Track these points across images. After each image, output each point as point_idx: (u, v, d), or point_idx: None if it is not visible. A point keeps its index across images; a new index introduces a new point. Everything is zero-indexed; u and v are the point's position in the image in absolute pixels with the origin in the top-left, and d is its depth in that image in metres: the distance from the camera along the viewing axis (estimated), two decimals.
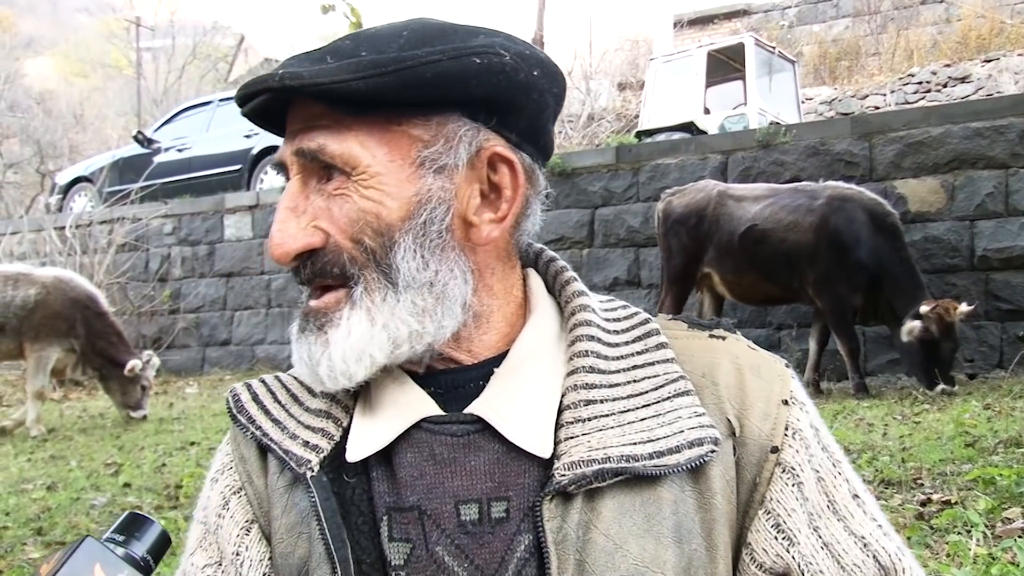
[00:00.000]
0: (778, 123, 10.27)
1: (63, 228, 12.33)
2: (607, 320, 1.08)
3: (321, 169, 0.97)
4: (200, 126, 13.53)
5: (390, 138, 0.96)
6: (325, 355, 0.97)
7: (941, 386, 6.34)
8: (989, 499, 3.61)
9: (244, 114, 1.01)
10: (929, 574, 2.95)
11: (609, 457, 0.93)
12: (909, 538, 3.29)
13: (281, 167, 1.02)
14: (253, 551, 1.05)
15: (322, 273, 0.97)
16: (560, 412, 0.99)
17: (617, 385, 1.00)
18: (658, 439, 0.95)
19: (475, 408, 0.99)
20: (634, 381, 1.01)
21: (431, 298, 0.97)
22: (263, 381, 1.15)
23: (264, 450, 1.08)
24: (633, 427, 0.96)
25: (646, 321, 1.08)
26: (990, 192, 7.45)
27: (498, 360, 1.02)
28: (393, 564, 0.96)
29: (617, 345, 1.05)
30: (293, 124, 0.99)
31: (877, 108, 15.07)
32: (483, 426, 0.98)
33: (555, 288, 1.11)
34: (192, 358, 11.75)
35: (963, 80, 15.21)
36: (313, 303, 0.99)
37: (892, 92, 15.58)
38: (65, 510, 4.92)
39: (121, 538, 0.91)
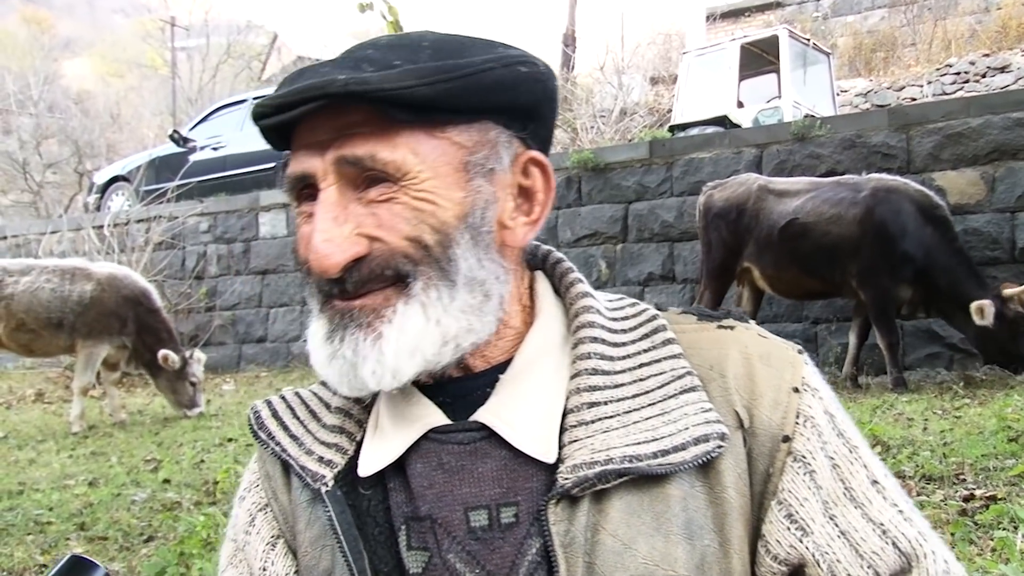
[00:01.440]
0: (813, 116, 10.17)
1: (101, 227, 12.48)
2: (613, 319, 1.08)
3: (359, 177, 0.96)
4: (234, 124, 13.63)
5: (436, 144, 0.96)
6: (375, 351, 0.95)
7: None
8: None
9: (270, 125, 0.98)
10: (975, 570, 2.91)
11: (612, 458, 0.93)
12: (953, 534, 3.25)
13: (299, 181, 0.99)
14: (279, 565, 1.07)
15: (372, 277, 0.96)
16: (564, 415, 0.99)
17: (622, 385, 1.00)
18: (663, 438, 0.94)
19: (480, 415, 1.00)
20: (640, 380, 1.01)
21: (480, 296, 0.98)
22: (283, 397, 1.17)
23: (287, 465, 1.10)
24: (638, 427, 0.96)
25: (653, 318, 1.08)
26: None
27: (504, 367, 1.03)
28: (411, 573, 0.97)
29: (623, 344, 1.05)
30: (319, 135, 0.97)
31: (914, 100, 14.88)
32: (489, 433, 0.99)
33: (562, 289, 1.11)
34: (228, 355, 11.86)
35: (1002, 70, 14.98)
36: (357, 302, 0.97)
37: (929, 83, 15.38)
38: (107, 505, 4.98)
39: None
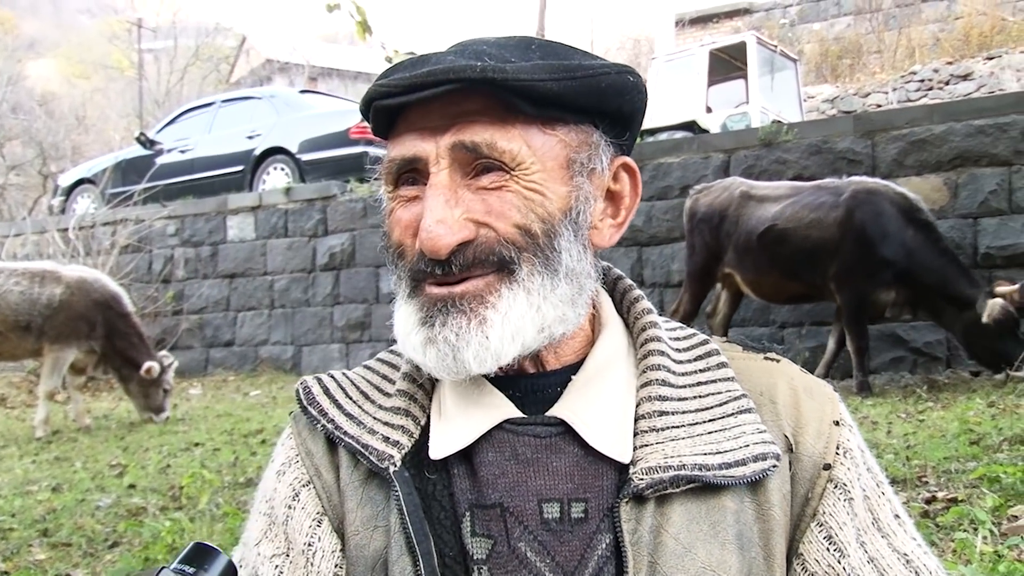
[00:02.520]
0: (780, 121, 10.27)
1: (66, 230, 12.34)
2: (671, 339, 1.13)
3: (471, 163, 0.99)
4: (202, 127, 13.53)
5: (545, 139, 1.01)
6: (479, 335, 0.98)
7: None
8: (995, 497, 3.60)
9: (391, 105, 1.00)
10: None
11: (684, 465, 0.98)
12: None
13: (405, 164, 1.02)
14: (325, 542, 1.07)
15: (477, 262, 0.99)
16: (635, 421, 1.04)
17: (685, 399, 1.06)
18: (725, 452, 1.00)
19: (558, 411, 1.04)
20: (700, 396, 1.07)
21: (576, 288, 1.03)
22: (332, 376, 1.17)
23: (332, 444, 1.11)
24: (702, 439, 1.02)
25: (706, 342, 1.14)
26: (993, 190, 7.43)
27: (574, 368, 1.07)
28: (475, 558, 0.99)
29: (682, 363, 1.10)
30: (433, 120, 1.00)
31: (879, 106, 15.06)
32: (564, 429, 1.03)
33: (623, 305, 1.17)
34: (196, 359, 11.76)
35: (965, 78, 15.20)
36: (458, 288, 0.99)
37: (894, 90, 15.57)
38: (70, 511, 4.92)
39: (191, 570, 0.89)
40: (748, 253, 7.28)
